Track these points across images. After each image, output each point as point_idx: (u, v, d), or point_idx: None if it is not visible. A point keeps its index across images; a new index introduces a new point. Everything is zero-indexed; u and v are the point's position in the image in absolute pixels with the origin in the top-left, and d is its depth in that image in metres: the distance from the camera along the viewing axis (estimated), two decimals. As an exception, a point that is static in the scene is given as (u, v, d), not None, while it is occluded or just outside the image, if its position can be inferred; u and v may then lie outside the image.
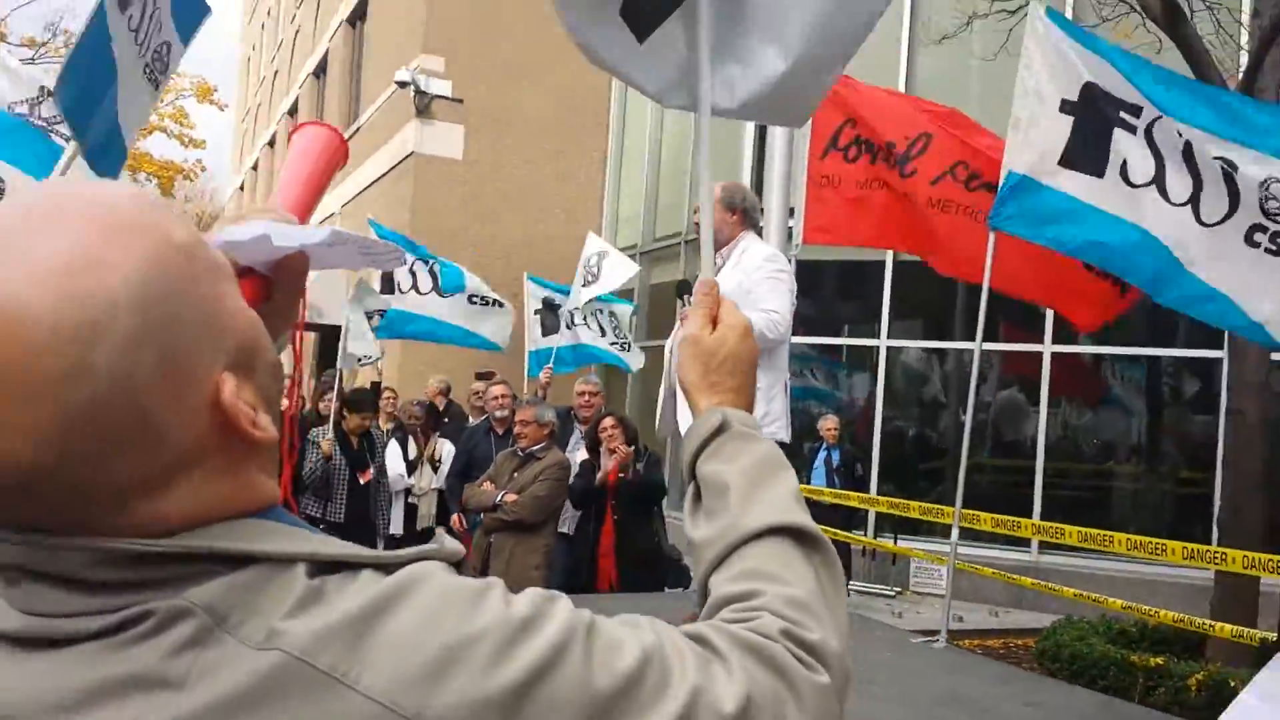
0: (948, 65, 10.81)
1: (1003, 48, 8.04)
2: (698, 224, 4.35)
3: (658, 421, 4.47)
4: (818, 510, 9.03)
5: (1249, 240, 4.51)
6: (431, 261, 9.11)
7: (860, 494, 8.62)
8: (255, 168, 32.55)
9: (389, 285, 8.77)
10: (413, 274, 8.86)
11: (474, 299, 9.20)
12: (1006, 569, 9.52)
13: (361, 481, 6.80)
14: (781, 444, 4.42)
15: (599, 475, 5.94)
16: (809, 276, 11.94)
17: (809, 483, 9.89)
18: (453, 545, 0.79)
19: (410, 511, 7.48)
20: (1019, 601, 9.61)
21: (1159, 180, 4.61)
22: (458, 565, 0.79)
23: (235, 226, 0.88)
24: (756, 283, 4.16)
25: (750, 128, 11.30)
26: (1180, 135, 4.56)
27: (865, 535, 10.38)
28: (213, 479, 0.73)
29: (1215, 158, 4.52)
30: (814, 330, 12.54)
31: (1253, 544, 6.08)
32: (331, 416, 6.88)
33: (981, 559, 8.41)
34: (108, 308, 0.65)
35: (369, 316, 8.50)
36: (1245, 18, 8.26)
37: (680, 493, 5.03)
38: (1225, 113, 4.63)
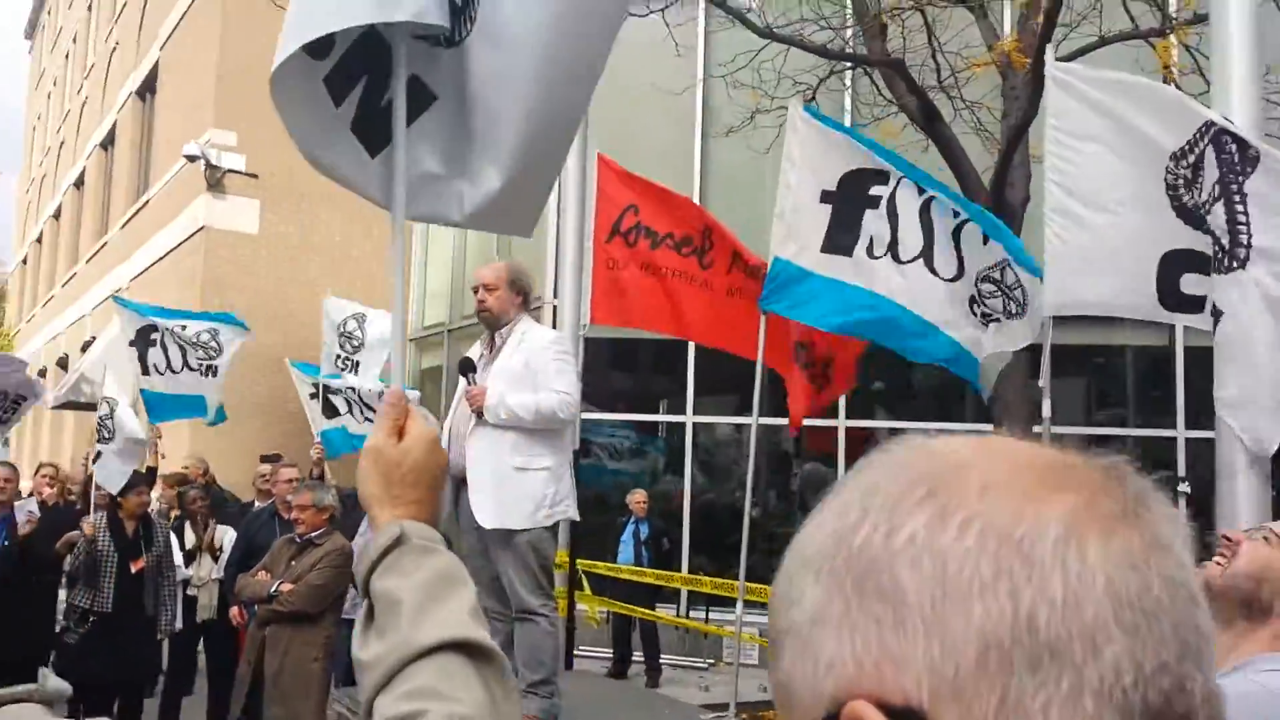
0: (738, 157, 11.32)
1: (776, 140, 8.47)
2: (481, 302, 4.34)
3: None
4: (625, 587, 9.08)
5: (969, 307, 4.92)
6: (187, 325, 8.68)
7: (657, 570, 8.66)
8: (40, 240, 30.62)
9: (144, 367, 8.36)
10: (164, 350, 8.47)
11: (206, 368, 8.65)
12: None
13: (133, 569, 6.33)
14: (574, 521, 4.42)
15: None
16: (617, 353, 12.15)
17: (617, 556, 9.91)
18: (56, 685, 0.73)
19: (189, 604, 7.02)
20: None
21: (893, 247, 4.95)
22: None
23: None
24: (544, 364, 4.20)
25: (551, 208, 11.40)
26: (921, 194, 4.93)
27: (678, 608, 10.43)
28: None
29: (953, 215, 4.93)
30: (625, 406, 12.68)
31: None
32: (92, 501, 6.46)
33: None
34: None
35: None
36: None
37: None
38: (967, 204, 5.07)
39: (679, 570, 11.16)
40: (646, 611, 8.87)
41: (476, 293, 4.40)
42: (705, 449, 12.31)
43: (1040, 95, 6.31)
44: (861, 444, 11.50)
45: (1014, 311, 4.85)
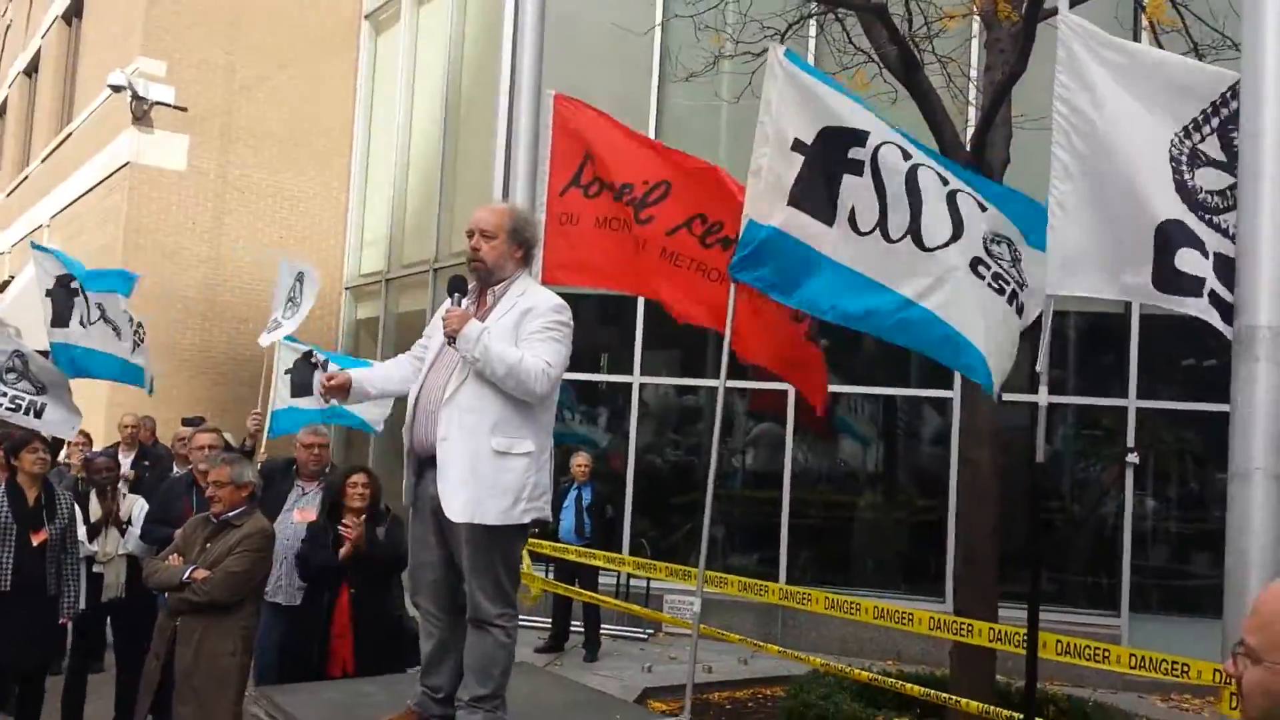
0: (698, 104, 10.79)
1: (747, 89, 7.98)
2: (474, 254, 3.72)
3: (404, 486, 3.81)
4: (567, 566, 8.64)
5: (973, 269, 4.42)
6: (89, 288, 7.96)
7: (608, 553, 8.26)
8: (-45, 171, 29.09)
9: (61, 319, 7.65)
10: (88, 303, 7.78)
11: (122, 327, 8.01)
12: (757, 613, 9.47)
13: (34, 543, 5.67)
14: (540, 522, 3.82)
15: (341, 552, 5.22)
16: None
17: (559, 523, 9.47)
18: None
19: (94, 582, 6.41)
20: (771, 635, 9.58)
21: (881, 223, 4.44)
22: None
23: None
24: (536, 328, 3.63)
25: (498, 166, 10.77)
26: (906, 159, 4.44)
27: (617, 578, 10.03)
28: None
29: (942, 182, 4.44)
30: (570, 366, 12.17)
31: (988, 595, 6.14)
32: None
33: (733, 602, 8.27)
34: None
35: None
36: (974, 73, 8.56)
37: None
38: (957, 169, 4.59)
39: (620, 536, 10.80)
40: (589, 594, 8.50)
41: (470, 238, 3.71)
42: (650, 410, 11.90)
43: (1029, 50, 5.87)
44: (810, 407, 11.15)
45: (1023, 283, 4.43)
